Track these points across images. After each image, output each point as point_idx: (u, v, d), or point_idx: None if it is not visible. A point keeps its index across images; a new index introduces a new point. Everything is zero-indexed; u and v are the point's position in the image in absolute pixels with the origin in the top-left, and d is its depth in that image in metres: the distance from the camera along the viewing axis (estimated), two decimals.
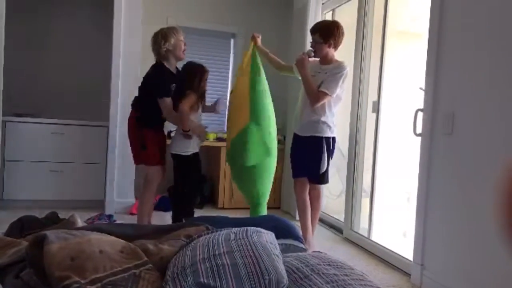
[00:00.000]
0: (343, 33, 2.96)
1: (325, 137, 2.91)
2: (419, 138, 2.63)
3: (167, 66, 3.05)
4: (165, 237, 1.77)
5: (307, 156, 2.96)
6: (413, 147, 2.83)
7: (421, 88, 2.67)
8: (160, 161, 3.09)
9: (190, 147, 3.06)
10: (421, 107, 2.62)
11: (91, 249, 1.45)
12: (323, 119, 2.90)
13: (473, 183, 2.21)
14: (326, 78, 2.85)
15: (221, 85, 4.94)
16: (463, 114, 2.30)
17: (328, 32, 2.91)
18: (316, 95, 2.85)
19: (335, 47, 2.97)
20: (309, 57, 2.95)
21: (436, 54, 2.51)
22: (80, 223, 2.09)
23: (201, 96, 3.11)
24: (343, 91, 2.97)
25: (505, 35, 2.05)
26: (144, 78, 3.11)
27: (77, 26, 4.42)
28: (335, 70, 2.88)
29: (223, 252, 1.34)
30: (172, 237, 1.72)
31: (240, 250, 1.33)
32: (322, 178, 3.02)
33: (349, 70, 2.95)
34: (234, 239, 1.40)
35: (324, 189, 4.18)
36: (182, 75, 3.07)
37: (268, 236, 1.49)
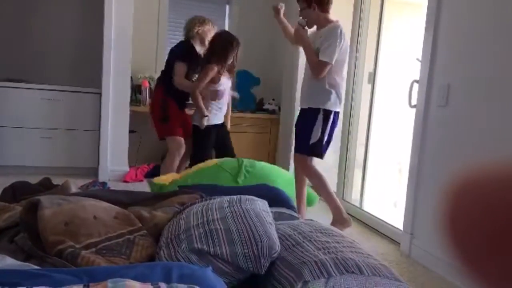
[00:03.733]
0: None
1: (323, 109, 2.71)
2: (414, 110, 2.63)
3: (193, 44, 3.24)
4: (159, 203, 1.78)
5: (300, 126, 2.85)
6: (407, 118, 2.83)
7: (418, 59, 2.65)
8: (181, 133, 3.17)
9: (205, 120, 3.06)
10: (417, 78, 2.61)
11: (85, 215, 1.46)
12: (326, 87, 2.70)
13: (465, 155, 2.23)
14: (321, 44, 2.68)
15: None
16: (458, 86, 2.30)
17: None
18: (316, 65, 2.67)
19: (322, 8, 2.71)
20: (303, 27, 2.77)
21: (434, 25, 2.47)
22: (74, 189, 2.09)
23: (229, 70, 3.18)
24: (345, 52, 2.74)
25: (503, 7, 2.02)
26: (170, 50, 3.33)
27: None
28: (328, 33, 2.67)
29: (217, 218, 1.35)
30: (166, 204, 1.73)
31: (233, 216, 1.34)
32: (311, 149, 2.76)
33: (343, 28, 2.73)
34: (227, 206, 1.41)
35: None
36: (216, 42, 3.12)
37: (261, 204, 1.51)
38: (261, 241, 1.25)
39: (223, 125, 3.29)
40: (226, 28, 4.83)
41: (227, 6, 4.81)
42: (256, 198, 1.56)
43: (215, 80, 3.07)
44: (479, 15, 2.17)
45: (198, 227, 1.33)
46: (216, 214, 1.37)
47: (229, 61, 3.15)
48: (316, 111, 2.74)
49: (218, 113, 3.19)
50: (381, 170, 3.74)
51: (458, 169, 2.26)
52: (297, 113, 3.87)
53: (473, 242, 0.27)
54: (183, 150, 3.23)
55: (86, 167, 3.97)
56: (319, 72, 2.67)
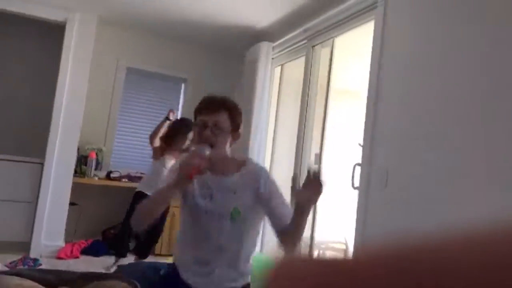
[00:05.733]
0: None
1: None
2: (356, 192, 2.73)
3: None
4: (89, 285, 1.66)
5: None
6: (352, 199, 2.93)
7: (359, 144, 2.82)
8: None
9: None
10: (359, 161, 2.75)
11: None
12: None
13: (405, 233, 2.30)
14: None
15: None
16: (396, 169, 2.45)
17: None
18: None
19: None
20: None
21: (373, 112, 2.68)
22: (1, 267, 1.92)
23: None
24: None
25: (438, 94, 2.25)
26: None
27: (23, 55, 4.27)
28: None
29: None
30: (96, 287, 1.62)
31: None
32: None
33: None
34: None
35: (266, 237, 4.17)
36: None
37: None
38: None
39: None
40: (180, 106, 4.95)
41: (183, 85, 4.97)
42: None
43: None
44: (415, 103, 2.40)
45: None
46: None
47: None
48: None
49: None
50: (327, 250, 3.75)
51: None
52: None
53: None
54: None
55: (17, 242, 3.66)
56: None
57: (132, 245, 4.17)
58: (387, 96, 2.61)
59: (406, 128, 2.42)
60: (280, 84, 4.31)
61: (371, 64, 2.76)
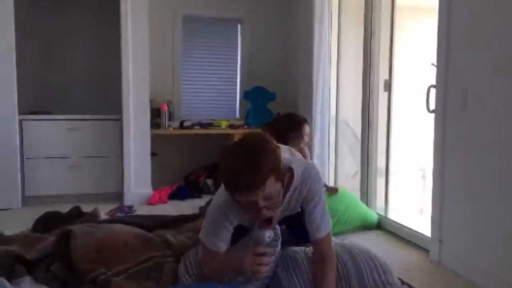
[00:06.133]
0: None
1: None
2: (433, 115, 2.61)
3: None
4: (182, 227, 1.82)
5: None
6: (427, 124, 2.81)
7: (432, 64, 2.64)
8: None
9: None
10: (434, 83, 2.59)
11: (115, 242, 1.51)
12: None
13: (487, 158, 2.20)
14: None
15: (230, 71, 4.92)
16: (476, 89, 2.28)
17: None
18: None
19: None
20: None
21: (447, 28, 2.46)
22: (102, 215, 2.16)
23: None
24: None
25: None
26: None
27: (86, 22, 4.45)
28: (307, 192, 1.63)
29: None
30: (190, 227, 1.77)
31: None
32: None
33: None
34: None
35: (339, 169, 4.20)
36: None
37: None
38: None
39: None
40: (239, 48, 4.90)
41: (239, 26, 4.90)
42: None
43: None
44: (493, 14, 2.16)
45: None
46: None
47: None
48: None
49: None
50: (404, 177, 3.70)
51: (484, 171, 2.22)
52: (316, 125, 3.89)
53: None
54: None
55: (112, 192, 4.06)
56: (333, 253, 1.65)
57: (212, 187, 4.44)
58: (461, 9, 2.37)
59: (485, 43, 2.20)
60: (339, 12, 4.07)
61: None
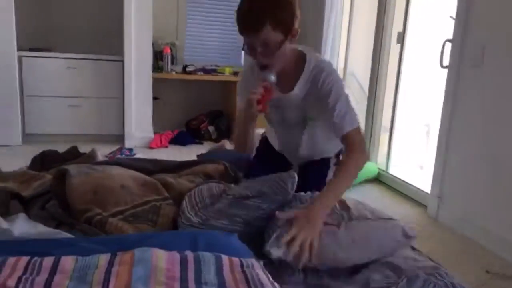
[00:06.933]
0: None
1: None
2: (445, 71, 2.51)
3: None
4: (184, 171, 1.78)
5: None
6: (437, 80, 2.72)
7: (451, 17, 2.50)
8: None
9: None
10: (450, 37, 2.47)
11: (112, 184, 1.47)
12: None
13: (499, 117, 2.13)
14: (323, 111, 1.56)
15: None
16: (494, 44, 2.16)
17: None
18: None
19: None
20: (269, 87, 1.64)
21: None
22: (100, 157, 2.12)
23: None
24: None
25: None
26: None
27: None
28: (322, 86, 1.54)
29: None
30: (191, 172, 1.73)
31: None
32: None
33: None
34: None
35: None
36: None
37: None
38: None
39: None
40: None
41: None
42: None
43: None
44: None
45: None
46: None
47: None
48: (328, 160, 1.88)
49: None
50: (408, 133, 3.65)
51: (493, 132, 2.17)
52: None
53: None
54: None
55: (113, 134, 4.04)
56: (363, 148, 1.52)
57: (214, 134, 4.41)
58: None
59: None
60: None
61: None
